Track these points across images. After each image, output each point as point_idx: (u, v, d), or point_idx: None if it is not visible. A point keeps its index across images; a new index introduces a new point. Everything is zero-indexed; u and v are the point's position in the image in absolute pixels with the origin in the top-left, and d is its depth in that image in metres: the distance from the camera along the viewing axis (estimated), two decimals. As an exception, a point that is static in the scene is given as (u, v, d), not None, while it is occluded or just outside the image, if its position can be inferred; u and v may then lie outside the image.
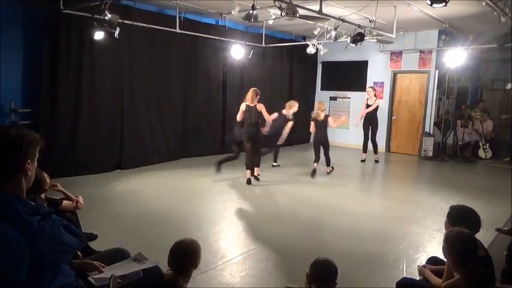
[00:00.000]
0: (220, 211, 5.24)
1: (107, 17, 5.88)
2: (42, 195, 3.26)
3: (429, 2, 4.75)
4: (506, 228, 4.13)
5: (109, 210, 5.12)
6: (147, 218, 4.86)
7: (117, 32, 6.23)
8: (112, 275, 2.03)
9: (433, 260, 3.00)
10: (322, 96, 11.87)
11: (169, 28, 7.66)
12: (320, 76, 12.02)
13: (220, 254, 3.86)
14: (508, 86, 11.98)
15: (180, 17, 7.79)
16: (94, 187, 6.09)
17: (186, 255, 2.30)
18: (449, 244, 2.32)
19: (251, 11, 5.97)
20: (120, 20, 6.22)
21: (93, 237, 3.98)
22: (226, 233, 4.55)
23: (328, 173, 7.77)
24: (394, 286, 2.77)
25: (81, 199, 3.51)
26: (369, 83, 10.86)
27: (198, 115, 8.91)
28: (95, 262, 2.24)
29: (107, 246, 2.85)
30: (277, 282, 3.24)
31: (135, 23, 6.94)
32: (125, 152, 7.43)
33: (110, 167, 7.21)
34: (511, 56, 7.89)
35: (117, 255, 2.43)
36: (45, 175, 3.22)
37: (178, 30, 7.75)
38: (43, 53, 6.30)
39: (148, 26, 7.26)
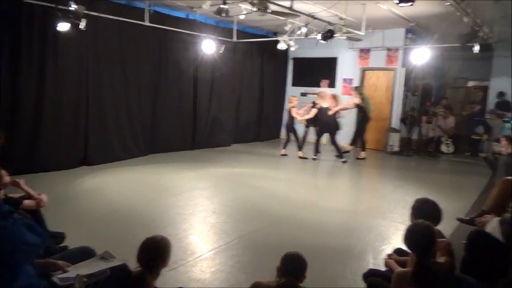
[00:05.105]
0: (190, 207, 5.19)
1: (71, 8, 5.68)
2: (1, 193, 3.12)
3: (396, 1, 4.87)
4: (467, 218, 4.32)
5: (74, 207, 4.97)
6: (115, 215, 4.76)
7: (82, 24, 6.03)
8: (77, 274, 1.98)
9: (399, 251, 3.11)
10: (293, 92, 11.98)
11: (138, 21, 7.49)
12: (291, 72, 12.12)
13: (190, 250, 3.84)
14: (469, 84, 12.52)
15: (149, 10, 7.63)
16: (59, 184, 5.89)
17: (156, 252, 2.27)
18: (406, 235, 2.42)
19: (222, 5, 5.93)
20: (86, 11, 6.03)
21: (60, 235, 3.84)
22: (196, 229, 4.52)
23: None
24: (361, 277, 2.86)
25: (44, 197, 3.38)
26: (339, 79, 11.07)
27: (168, 110, 8.78)
28: (59, 262, 2.18)
29: (72, 245, 2.78)
30: (247, 277, 3.25)
31: (102, 15, 6.74)
32: (91, 148, 7.22)
33: (75, 163, 6.98)
34: (473, 55, 8.22)
35: (82, 254, 2.38)
36: (3, 172, 3.08)
37: (147, 23, 7.59)
38: (3, 45, 5.99)
39: (116, 18, 7.07)
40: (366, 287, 2.72)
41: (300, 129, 9.23)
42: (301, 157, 8.90)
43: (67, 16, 5.86)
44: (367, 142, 9.60)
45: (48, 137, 6.58)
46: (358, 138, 9.37)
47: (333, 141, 8.80)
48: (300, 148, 9.03)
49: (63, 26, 6.05)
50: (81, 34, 6.49)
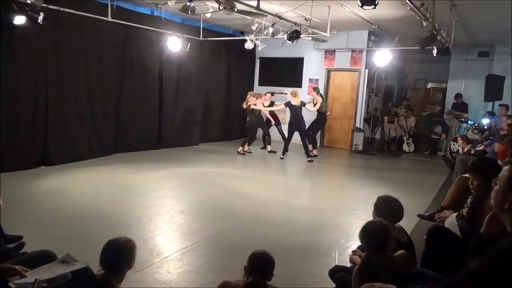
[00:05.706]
0: (156, 207, 5.09)
1: (28, 1, 5.41)
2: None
3: (360, 4, 4.99)
4: (427, 214, 4.50)
5: (34, 209, 4.75)
6: (78, 216, 4.59)
7: (41, 18, 5.75)
8: (36, 279, 1.89)
9: (363, 248, 3.19)
10: (260, 92, 12.02)
11: (100, 16, 7.25)
12: (258, 71, 12.16)
13: (156, 251, 3.77)
14: (429, 86, 13.07)
15: (112, 5, 7.41)
16: (16, 185, 5.60)
17: (120, 254, 2.21)
18: (360, 232, 2.51)
19: (188, 3, 5.85)
20: (44, 5, 5.77)
21: (18, 239, 3.66)
22: (162, 230, 4.44)
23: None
24: (327, 273, 2.91)
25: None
26: (305, 79, 11.21)
27: (133, 109, 8.57)
28: (16, 266, 2.07)
29: (31, 249, 2.66)
30: (215, 277, 3.23)
31: (62, 9, 6.48)
32: (51, 147, 6.92)
33: (34, 163, 6.67)
34: (432, 57, 8.57)
35: (42, 258, 2.27)
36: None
37: (110, 19, 7.36)
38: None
39: (77, 13, 6.82)
40: (335, 283, 2.77)
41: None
42: (239, 152, 9.22)
43: (23, 9, 5.57)
44: (334, 141, 9.79)
45: (4, 136, 6.24)
46: (312, 137, 9.55)
47: (303, 140, 8.90)
48: (243, 145, 9.30)
49: (19, 20, 5.76)
50: (40, 28, 6.21)
